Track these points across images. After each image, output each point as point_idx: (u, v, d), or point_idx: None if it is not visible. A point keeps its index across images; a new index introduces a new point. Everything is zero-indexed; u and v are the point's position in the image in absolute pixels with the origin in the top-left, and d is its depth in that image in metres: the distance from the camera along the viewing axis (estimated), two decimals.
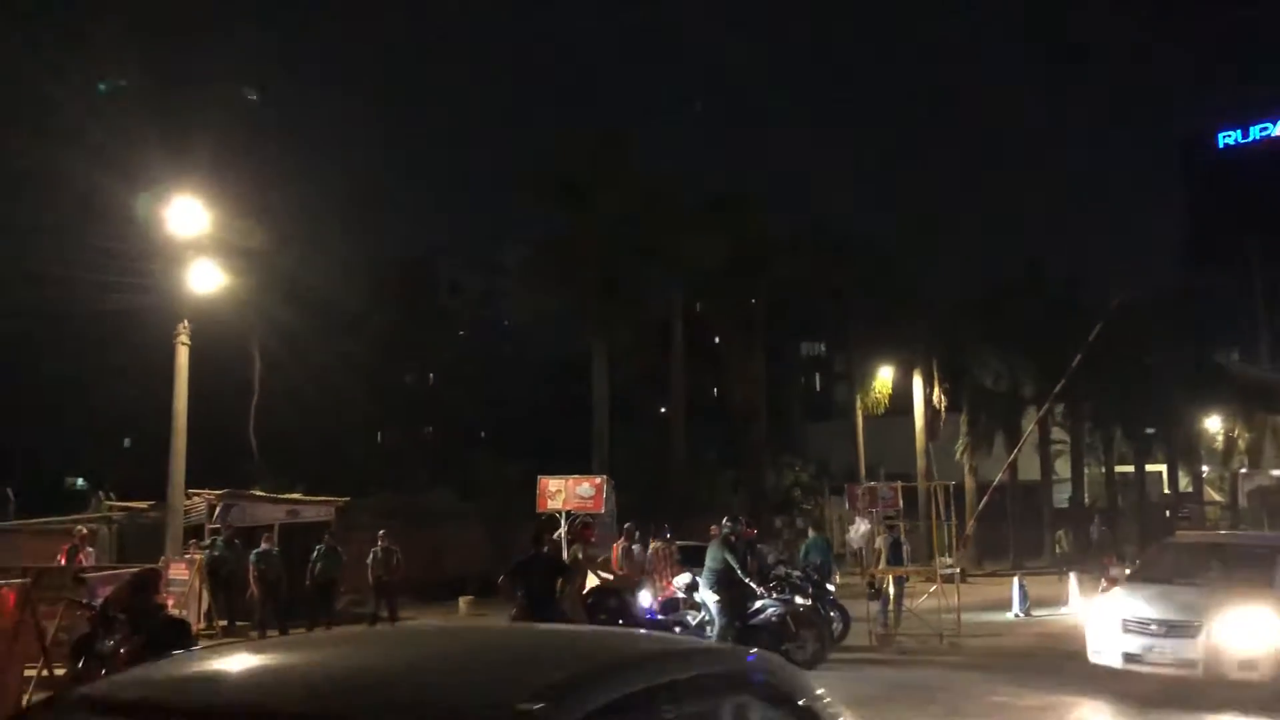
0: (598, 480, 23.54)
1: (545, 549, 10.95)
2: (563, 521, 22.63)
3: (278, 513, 21.70)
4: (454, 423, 39.67)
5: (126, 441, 35.28)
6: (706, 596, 12.65)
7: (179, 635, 10.20)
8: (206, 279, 19.75)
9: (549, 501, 23.13)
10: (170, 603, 17.05)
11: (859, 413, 35.62)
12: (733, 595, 12.51)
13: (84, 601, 9.56)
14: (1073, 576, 21.83)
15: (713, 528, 13.50)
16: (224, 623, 18.49)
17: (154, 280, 19.73)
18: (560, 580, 10.51)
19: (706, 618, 12.78)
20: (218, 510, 20.75)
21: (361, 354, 32.03)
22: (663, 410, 35.63)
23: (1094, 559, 25.95)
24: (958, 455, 36.81)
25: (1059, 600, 21.17)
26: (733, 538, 12.99)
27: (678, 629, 12.69)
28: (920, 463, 34.39)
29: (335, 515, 22.16)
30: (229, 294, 20.89)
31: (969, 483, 35.84)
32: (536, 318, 36.51)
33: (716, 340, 35.73)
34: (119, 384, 29.39)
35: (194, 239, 19.43)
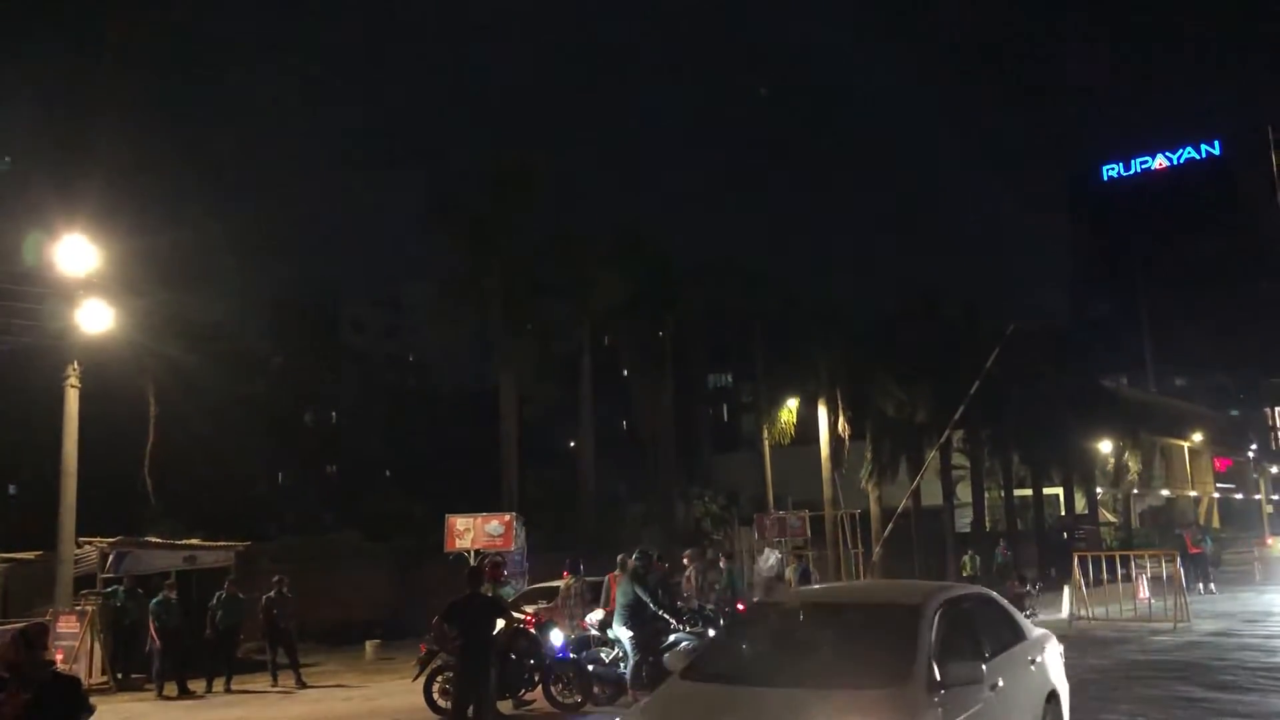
0: (507, 518, 23.30)
1: (481, 589, 10.78)
2: (471, 560, 22.37)
3: (174, 559, 20.95)
4: (359, 461, 38.95)
5: (11, 489, 33.76)
6: (620, 633, 12.57)
7: (69, 693, 9.75)
8: (97, 320, 19.08)
9: (457, 540, 22.81)
10: (59, 658, 16.32)
11: (765, 443, 35.95)
12: (645, 630, 12.46)
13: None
14: None
15: (627, 559, 13.43)
16: (120, 676, 17.77)
17: (41, 321, 18.99)
18: (496, 620, 10.35)
19: (620, 654, 12.71)
20: (110, 559, 19.97)
21: (263, 393, 31.26)
22: (572, 444, 35.51)
23: (998, 583, 26.64)
24: (863, 483, 37.40)
25: None
26: (642, 571, 12.97)
27: (591, 667, 12.59)
28: (826, 491, 34.81)
29: (235, 560, 21.49)
30: (121, 335, 20.18)
31: (874, 509, 36.42)
32: (445, 354, 36.10)
33: (625, 373, 35.80)
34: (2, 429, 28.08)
35: (84, 278, 18.79)
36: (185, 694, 16.81)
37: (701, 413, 49.17)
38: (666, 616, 12.69)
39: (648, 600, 12.59)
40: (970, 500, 42.54)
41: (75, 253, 18.64)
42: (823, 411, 35.92)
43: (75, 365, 18.92)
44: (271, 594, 18.29)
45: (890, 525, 32.84)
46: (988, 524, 44.16)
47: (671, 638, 12.52)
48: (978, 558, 30.42)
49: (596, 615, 13.39)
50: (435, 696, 12.53)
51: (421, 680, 12.76)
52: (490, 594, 12.55)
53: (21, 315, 19.22)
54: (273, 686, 17.48)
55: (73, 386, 18.94)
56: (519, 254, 28.43)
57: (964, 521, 43.33)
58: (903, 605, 7.16)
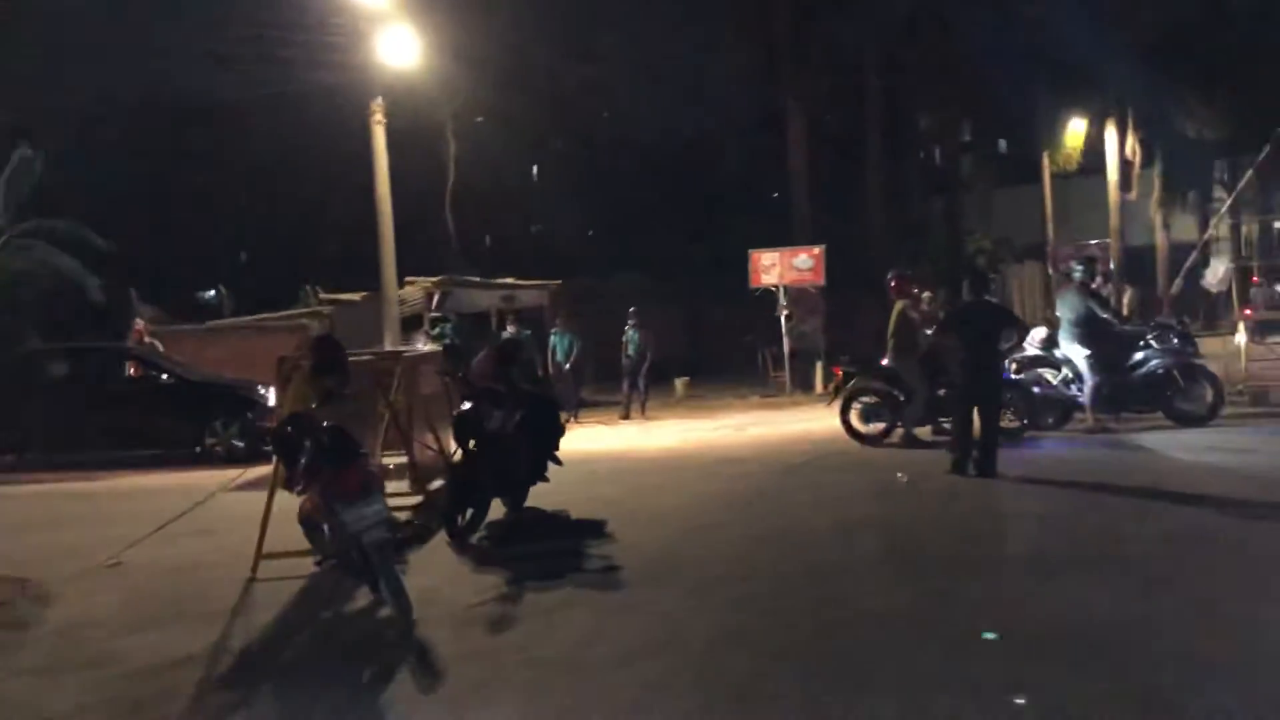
0: (815, 251, 22.24)
1: (986, 297, 9.62)
2: (781, 297, 21.51)
3: (492, 298, 20.90)
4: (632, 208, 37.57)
5: (243, 256, 33.42)
6: (1071, 351, 11.32)
7: (547, 411, 9.28)
8: (400, 51, 18.17)
9: (763, 276, 21.98)
10: None
11: (1046, 171, 33.04)
12: (1105, 348, 11.14)
13: (459, 375, 8.62)
14: None
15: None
16: None
17: (344, 55, 18.25)
18: (1005, 329, 9.22)
19: (1069, 375, 11.49)
20: (435, 297, 19.98)
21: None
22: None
23: None
24: (1150, 213, 34.38)
25: None
26: (1090, 283, 11.55)
27: (1036, 390, 11.43)
28: (1114, 219, 32.00)
29: (548, 300, 21.23)
30: (424, 69, 19.31)
31: (1160, 243, 33.74)
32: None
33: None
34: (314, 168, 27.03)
35: (379, 8, 17.76)
36: None
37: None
38: (1128, 331, 11.31)
39: (1104, 314, 11.21)
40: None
41: None
42: (1110, 133, 32.61)
43: (379, 100, 18.24)
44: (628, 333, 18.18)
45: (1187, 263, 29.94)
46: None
47: (1139, 355, 11.17)
48: None
49: (1039, 332, 12.12)
50: (854, 422, 11.74)
51: (837, 405, 11.95)
52: (910, 312, 11.49)
53: (326, 50, 18.60)
54: (623, 419, 17.33)
55: (378, 123, 18.32)
56: None
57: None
58: None
